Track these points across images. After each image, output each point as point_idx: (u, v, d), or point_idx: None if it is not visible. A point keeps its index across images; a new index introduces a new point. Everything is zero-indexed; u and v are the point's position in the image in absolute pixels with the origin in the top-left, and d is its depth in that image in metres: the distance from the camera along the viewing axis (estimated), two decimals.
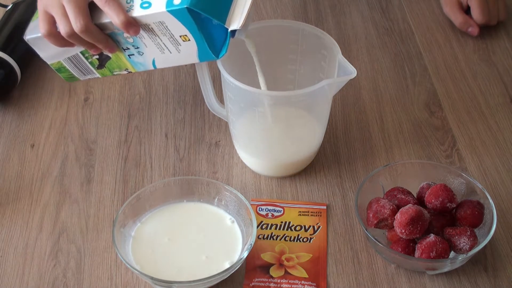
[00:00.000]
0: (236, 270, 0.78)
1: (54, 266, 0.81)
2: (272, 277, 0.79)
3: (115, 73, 0.88)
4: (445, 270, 0.79)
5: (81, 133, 0.97)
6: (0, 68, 0.99)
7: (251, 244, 0.77)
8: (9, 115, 1.00)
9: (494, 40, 1.12)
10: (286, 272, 0.80)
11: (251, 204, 0.86)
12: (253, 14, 1.17)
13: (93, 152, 0.94)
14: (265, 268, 0.80)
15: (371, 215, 0.80)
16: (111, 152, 0.94)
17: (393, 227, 0.79)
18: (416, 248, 0.78)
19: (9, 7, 1.09)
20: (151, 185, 0.83)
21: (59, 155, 0.94)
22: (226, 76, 0.82)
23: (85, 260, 0.82)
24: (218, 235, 0.81)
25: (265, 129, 0.87)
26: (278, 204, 0.87)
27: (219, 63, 0.83)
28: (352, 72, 0.80)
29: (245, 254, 0.76)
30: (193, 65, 1.06)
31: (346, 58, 0.82)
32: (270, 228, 0.84)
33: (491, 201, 0.80)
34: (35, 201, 0.88)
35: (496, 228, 0.78)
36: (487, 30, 1.13)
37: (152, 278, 0.74)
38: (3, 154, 0.94)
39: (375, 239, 0.78)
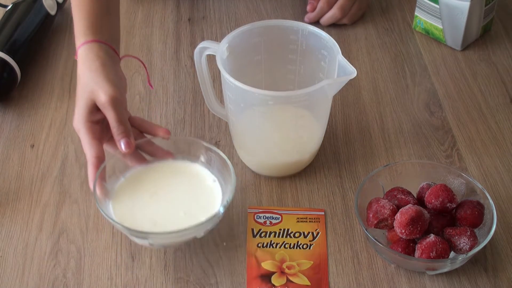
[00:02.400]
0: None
1: (54, 266, 0.81)
2: (274, 285, 0.79)
3: None
4: (445, 270, 0.79)
5: None
6: (0, 68, 0.99)
7: (227, 201, 0.77)
8: (9, 115, 1.00)
9: (494, 40, 1.12)
10: (288, 280, 0.79)
11: (249, 212, 0.86)
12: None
13: None
14: (267, 277, 0.80)
15: (371, 215, 0.80)
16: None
17: (393, 227, 0.79)
18: (416, 248, 0.78)
19: (9, 7, 1.09)
20: (137, 142, 0.83)
21: (59, 155, 0.94)
22: (226, 76, 0.82)
23: (85, 260, 0.82)
24: (198, 193, 0.82)
25: (265, 129, 0.87)
26: (275, 211, 0.86)
27: (219, 63, 0.83)
28: (352, 72, 0.80)
29: (221, 210, 0.77)
30: (193, 65, 1.06)
31: (346, 58, 0.82)
32: (269, 236, 0.84)
33: (491, 201, 0.80)
34: (35, 201, 0.88)
35: (496, 228, 0.78)
36: (487, 30, 1.13)
37: (128, 229, 0.75)
38: (3, 154, 0.94)
39: (375, 239, 0.78)
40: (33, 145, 0.95)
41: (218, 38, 1.12)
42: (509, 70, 1.07)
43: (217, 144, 0.95)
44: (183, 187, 0.83)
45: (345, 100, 1.01)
